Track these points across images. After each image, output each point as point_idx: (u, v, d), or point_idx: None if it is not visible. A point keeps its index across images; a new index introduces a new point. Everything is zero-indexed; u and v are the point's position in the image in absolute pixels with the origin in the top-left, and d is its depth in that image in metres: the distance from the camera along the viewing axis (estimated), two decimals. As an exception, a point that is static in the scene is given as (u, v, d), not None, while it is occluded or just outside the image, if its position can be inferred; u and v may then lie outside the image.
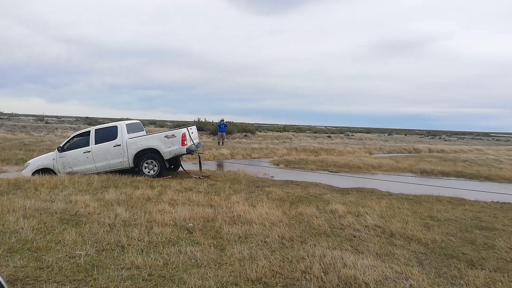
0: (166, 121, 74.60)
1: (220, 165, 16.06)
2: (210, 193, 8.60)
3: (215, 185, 9.85)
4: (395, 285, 3.91)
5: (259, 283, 3.86)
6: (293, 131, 52.06)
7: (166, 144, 10.79)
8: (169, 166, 11.96)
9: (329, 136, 44.99)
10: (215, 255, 4.55)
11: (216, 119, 42.60)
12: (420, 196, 9.47)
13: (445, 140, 54.40)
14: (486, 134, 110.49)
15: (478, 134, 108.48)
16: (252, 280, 3.90)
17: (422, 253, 5.10)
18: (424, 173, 15.82)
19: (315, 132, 54.06)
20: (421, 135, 74.10)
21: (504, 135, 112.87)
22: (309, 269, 4.17)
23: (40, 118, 67.49)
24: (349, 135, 51.73)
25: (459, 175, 15.38)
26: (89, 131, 11.25)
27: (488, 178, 14.70)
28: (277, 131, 49.11)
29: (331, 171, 15.28)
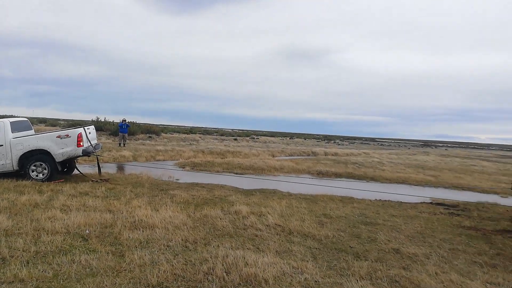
0: (59, 119, 67.92)
1: (121, 168, 15.21)
2: (109, 197, 8.11)
3: (115, 189, 9.31)
4: (291, 280, 4.18)
5: (161, 288, 3.78)
6: (200, 133, 51.72)
7: (58, 145, 9.85)
8: (62, 169, 10.93)
9: (236, 139, 45.80)
10: (113, 263, 4.32)
11: (118, 119, 40.24)
12: (316, 196, 10.24)
13: (339, 144, 59.48)
14: (373, 140, 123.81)
15: (366, 139, 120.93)
16: (153, 285, 3.80)
17: (316, 248, 5.53)
18: (320, 174, 17.11)
19: (222, 135, 54.48)
20: (319, 139, 79.84)
21: (387, 141, 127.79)
22: (211, 270, 4.22)
23: None
24: (254, 138, 53.31)
25: (350, 176, 16.99)
26: (-38, 128, 9.72)
27: (373, 179, 16.51)
28: (184, 133, 48.34)
29: (237, 173, 15.60)
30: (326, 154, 31.53)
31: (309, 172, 17.58)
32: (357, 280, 4.29)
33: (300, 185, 12.88)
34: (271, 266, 4.43)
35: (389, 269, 4.80)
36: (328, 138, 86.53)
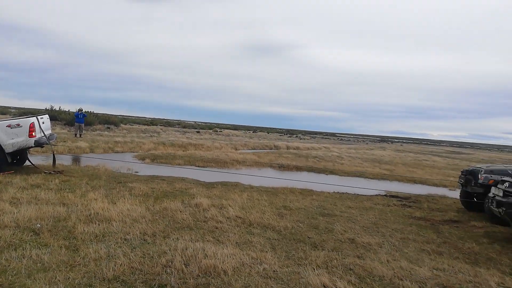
0: (9, 107, 64.08)
1: (76, 160, 14.62)
2: (63, 190, 7.79)
3: (70, 181, 8.95)
4: (250, 270, 4.23)
5: (117, 282, 3.70)
6: (161, 125, 50.72)
7: (8, 135, 9.29)
8: (12, 161, 10.34)
9: (198, 132, 45.34)
10: (66, 257, 4.17)
11: (74, 108, 38.62)
12: (277, 188, 10.40)
13: (300, 139, 60.55)
14: (333, 134, 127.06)
15: (327, 134, 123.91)
16: (108, 280, 3.71)
17: (275, 239, 5.63)
18: (282, 167, 17.36)
19: (184, 127, 53.73)
20: (281, 133, 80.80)
21: (346, 136, 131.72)
22: (170, 263, 4.19)
23: None
24: (217, 131, 53.04)
25: (310, 169, 17.38)
26: None
27: (332, 172, 16.98)
28: (144, 125, 47.21)
29: (199, 166, 15.47)
30: (288, 148, 31.99)
31: (271, 165, 17.77)
32: (313, 269, 4.42)
33: (262, 178, 12.99)
34: (230, 257, 4.46)
35: (344, 258, 4.99)
36: (290, 132, 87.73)
